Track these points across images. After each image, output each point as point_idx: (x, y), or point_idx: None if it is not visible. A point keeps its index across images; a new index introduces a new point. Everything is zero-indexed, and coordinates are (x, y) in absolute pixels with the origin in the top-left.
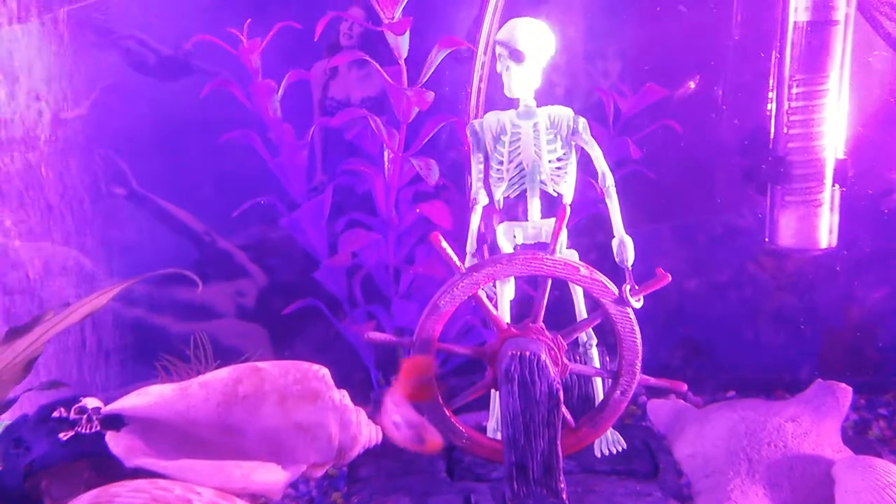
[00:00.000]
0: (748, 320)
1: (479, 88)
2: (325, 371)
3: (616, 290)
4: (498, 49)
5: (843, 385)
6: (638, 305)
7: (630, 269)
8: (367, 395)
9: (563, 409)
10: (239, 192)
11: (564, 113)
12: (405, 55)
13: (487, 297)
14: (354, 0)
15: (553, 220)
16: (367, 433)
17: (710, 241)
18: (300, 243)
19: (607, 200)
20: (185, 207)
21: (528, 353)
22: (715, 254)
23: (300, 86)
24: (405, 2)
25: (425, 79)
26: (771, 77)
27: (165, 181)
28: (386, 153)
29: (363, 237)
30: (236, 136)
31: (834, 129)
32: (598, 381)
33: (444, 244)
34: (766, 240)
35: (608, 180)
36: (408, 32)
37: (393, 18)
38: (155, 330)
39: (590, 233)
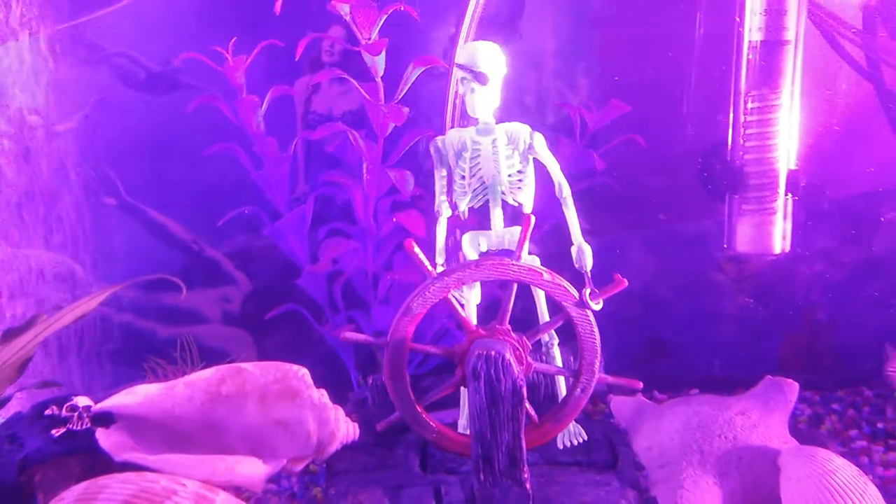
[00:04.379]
0: (711, 322)
1: (455, 104)
2: (304, 371)
3: (577, 294)
4: (460, 73)
5: (790, 381)
6: (597, 308)
7: (589, 274)
8: (346, 395)
9: (528, 406)
10: (225, 202)
11: (521, 129)
12: (382, 73)
13: (457, 300)
14: (336, 19)
15: (514, 227)
16: (345, 429)
17: (674, 248)
18: (283, 251)
19: (565, 210)
20: (173, 217)
21: (493, 353)
22: (679, 260)
23: (285, 101)
24: (381, 23)
25: (401, 95)
26: (731, 93)
27: (154, 192)
28: (364, 165)
29: (343, 245)
30: (221, 149)
31: (786, 141)
32: (562, 381)
33: (417, 250)
34: (725, 246)
35: (565, 191)
36: (384, 52)
37: (370, 39)
38: (144, 334)
39: (554, 241)
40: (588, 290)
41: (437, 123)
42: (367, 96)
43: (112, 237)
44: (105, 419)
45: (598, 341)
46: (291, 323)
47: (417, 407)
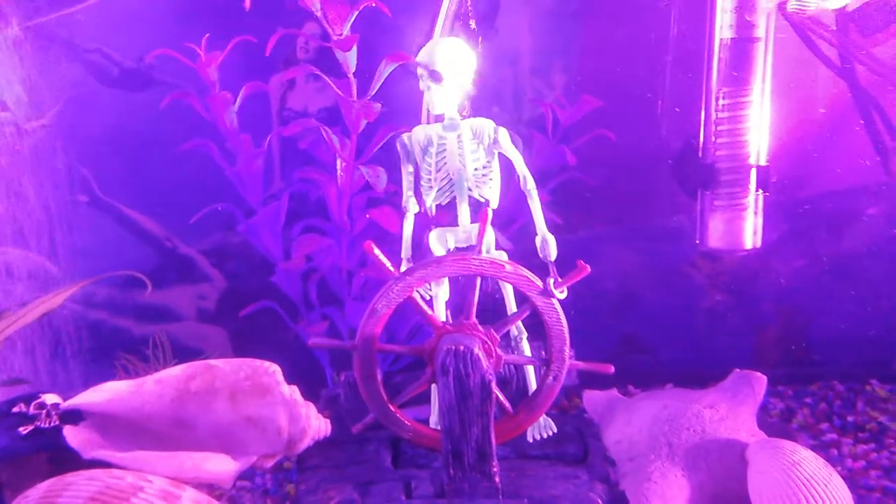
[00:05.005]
0: (685, 317)
1: None
2: (275, 368)
3: (540, 284)
4: (418, 70)
5: (759, 374)
6: (562, 296)
7: (553, 263)
8: (320, 392)
9: (502, 397)
10: (201, 199)
11: (486, 124)
12: (354, 69)
13: (423, 298)
14: (311, 15)
15: None
16: (317, 426)
17: (648, 244)
18: (257, 248)
19: (529, 202)
20: (147, 214)
21: (461, 348)
22: (653, 255)
23: (262, 98)
24: (353, 19)
25: (374, 92)
26: (703, 90)
27: (128, 189)
28: (339, 162)
29: (316, 241)
30: (194, 146)
31: (757, 138)
32: (532, 375)
33: (377, 251)
34: (697, 241)
35: (529, 183)
36: (355, 48)
37: (341, 35)
38: (118, 331)
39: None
40: (552, 280)
41: (413, 120)
42: (340, 92)
43: (86, 234)
44: (74, 417)
45: (565, 329)
46: (267, 320)
47: (391, 407)
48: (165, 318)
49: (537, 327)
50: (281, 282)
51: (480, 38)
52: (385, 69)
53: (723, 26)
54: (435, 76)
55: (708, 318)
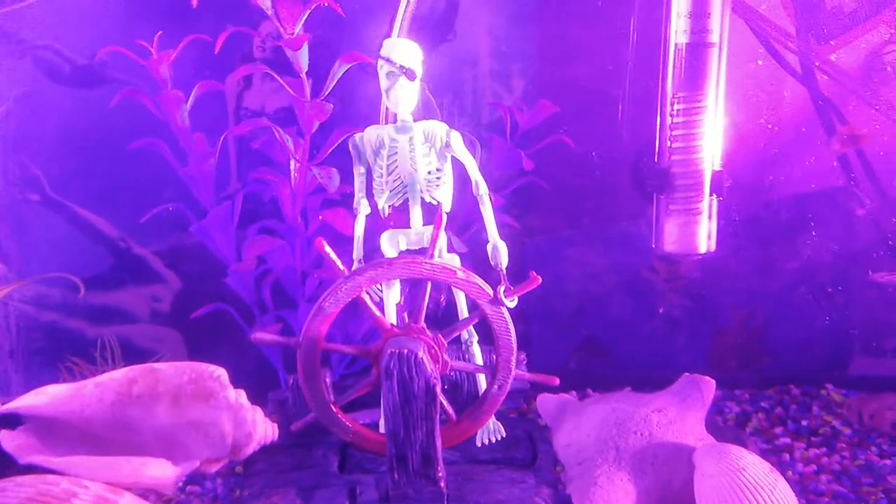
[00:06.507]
0: (645, 321)
1: None
2: (221, 371)
3: (491, 292)
4: (386, 67)
5: (708, 378)
6: (511, 305)
7: (504, 271)
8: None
9: (446, 404)
10: (155, 199)
11: (438, 127)
12: (306, 69)
13: (373, 300)
14: (266, 14)
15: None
16: (263, 430)
17: (608, 247)
18: (210, 249)
19: (481, 208)
20: (100, 214)
21: (406, 351)
22: (612, 259)
23: (218, 96)
24: (304, 18)
25: (327, 92)
26: (659, 95)
27: (81, 188)
28: (292, 162)
29: (266, 243)
30: (144, 145)
31: (711, 142)
32: (483, 378)
33: (328, 249)
34: (653, 246)
35: (481, 189)
36: (306, 47)
37: (293, 34)
38: (70, 333)
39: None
40: (502, 288)
41: (372, 121)
42: (293, 92)
43: (36, 234)
44: (11, 421)
45: (513, 338)
46: (222, 322)
47: (333, 407)
48: (118, 320)
49: (489, 332)
50: (234, 284)
51: (437, 40)
52: (339, 70)
53: (677, 32)
54: (409, 74)
55: (666, 321)
